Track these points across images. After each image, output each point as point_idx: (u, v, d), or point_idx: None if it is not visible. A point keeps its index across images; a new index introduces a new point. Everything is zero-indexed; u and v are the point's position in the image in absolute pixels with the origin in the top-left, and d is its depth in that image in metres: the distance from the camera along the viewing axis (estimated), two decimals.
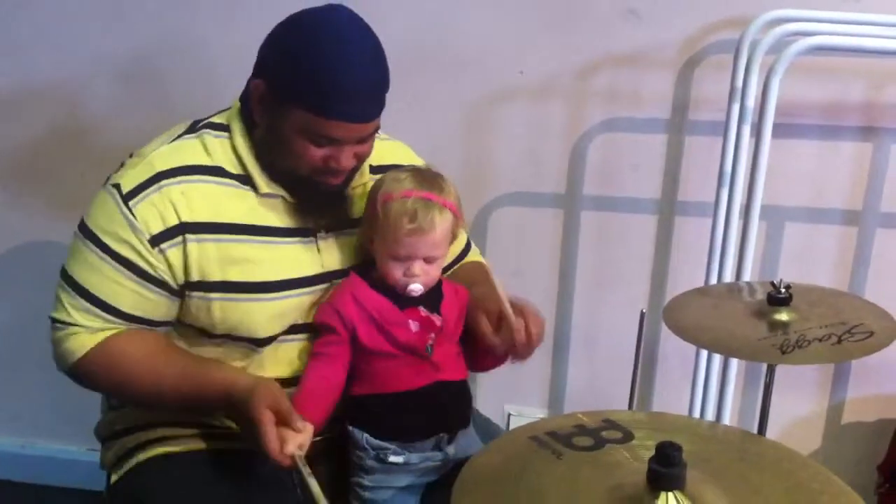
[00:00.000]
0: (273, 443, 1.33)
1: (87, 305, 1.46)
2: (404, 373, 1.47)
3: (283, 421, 1.35)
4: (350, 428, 1.50)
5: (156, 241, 1.44)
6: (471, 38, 2.12)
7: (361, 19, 1.44)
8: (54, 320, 1.49)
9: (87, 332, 1.46)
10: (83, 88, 2.25)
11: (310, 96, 1.39)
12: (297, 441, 1.34)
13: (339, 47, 1.39)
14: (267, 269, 1.49)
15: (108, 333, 1.46)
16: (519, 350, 1.47)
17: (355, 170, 1.51)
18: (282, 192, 1.50)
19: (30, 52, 2.25)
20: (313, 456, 1.56)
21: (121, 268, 1.44)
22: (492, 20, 2.10)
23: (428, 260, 1.48)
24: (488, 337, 1.49)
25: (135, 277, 1.44)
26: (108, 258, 1.44)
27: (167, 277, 1.45)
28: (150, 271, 1.44)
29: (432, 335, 1.48)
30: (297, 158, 1.44)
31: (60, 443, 2.56)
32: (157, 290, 1.46)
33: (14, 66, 2.27)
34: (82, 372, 1.49)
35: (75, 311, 1.46)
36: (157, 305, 1.47)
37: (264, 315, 1.49)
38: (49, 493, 2.53)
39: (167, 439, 1.55)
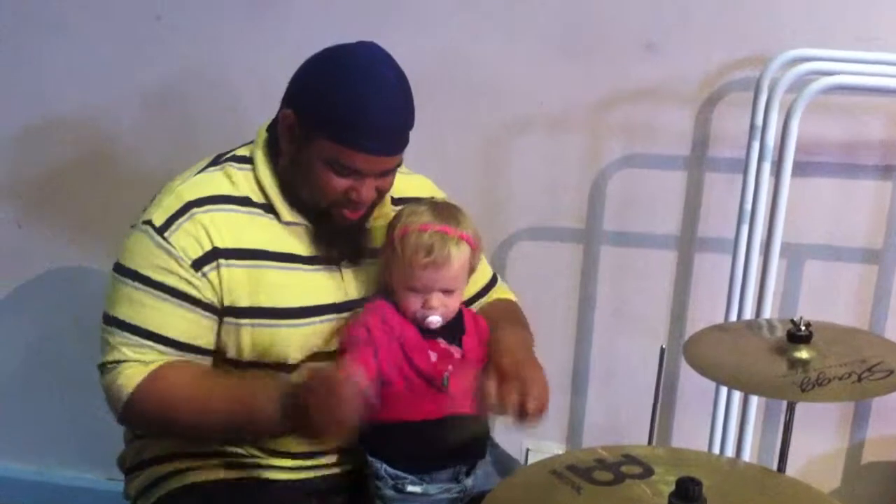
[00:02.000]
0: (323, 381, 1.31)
1: (138, 339, 1.45)
2: (421, 403, 1.47)
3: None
4: (369, 458, 1.50)
5: (197, 265, 1.45)
6: (489, 69, 2.13)
7: (391, 57, 1.47)
8: (104, 364, 1.47)
9: (139, 365, 1.45)
10: (108, 116, 2.28)
11: (337, 126, 1.41)
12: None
13: (370, 82, 1.42)
14: (295, 295, 1.50)
15: (157, 365, 1.45)
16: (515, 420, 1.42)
17: (374, 204, 1.53)
18: (304, 221, 1.52)
19: (56, 80, 2.28)
20: (333, 488, 1.57)
21: (167, 296, 1.44)
22: (510, 52, 2.11)
23: (446, 292, 1.49)
24: (489, 396, 1.43)
25: (183, 304, 1.45)
26: (153, 290, 1.44)
27: (214, 300, 1.46)
28: (198, 295, 1.45)
29: (450, 367, 1.48)
30: (319, 188, 1.46)
31: (78, 470, 2.55)
32: (207, 313, 1.46)
33: (41, 93, 2.30)
34: (135, 407, 1.45)
35: (126, 348, 1.45)
36: (207, 330, 1.48)
37: (293, 340, 1.50)
38: None
39: (195, 469, 1.55)
